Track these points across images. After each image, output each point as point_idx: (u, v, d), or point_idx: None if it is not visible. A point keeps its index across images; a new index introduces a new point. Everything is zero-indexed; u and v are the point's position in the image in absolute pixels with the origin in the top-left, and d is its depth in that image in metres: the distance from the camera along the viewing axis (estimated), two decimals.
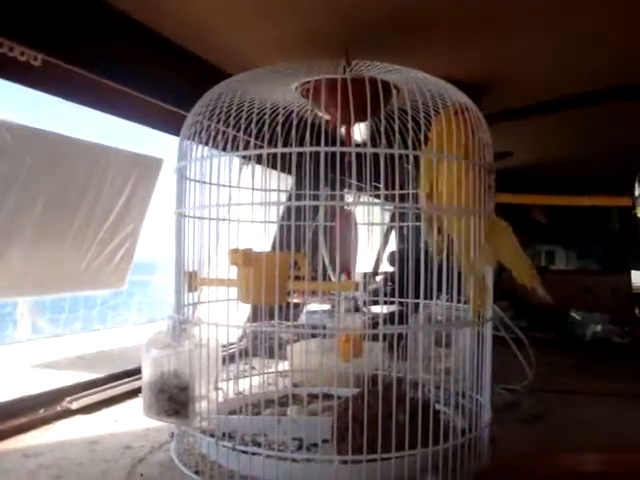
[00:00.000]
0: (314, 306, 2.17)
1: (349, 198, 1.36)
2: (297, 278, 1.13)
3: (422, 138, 1.08)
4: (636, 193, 4.55)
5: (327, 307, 2.18)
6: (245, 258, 1.08)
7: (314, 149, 1.04)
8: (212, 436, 1.13)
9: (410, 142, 1.06)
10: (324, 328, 1.71)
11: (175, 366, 1.13)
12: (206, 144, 1.18)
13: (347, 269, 1.24)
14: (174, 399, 1.13)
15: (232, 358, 1.32)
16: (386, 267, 3.14)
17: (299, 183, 1.25)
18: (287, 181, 1.48)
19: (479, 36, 1.57)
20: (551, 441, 1.39)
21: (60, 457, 1.24)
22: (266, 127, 1.09)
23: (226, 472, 1.11)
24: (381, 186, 1.26)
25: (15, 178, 1.60)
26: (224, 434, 1.13)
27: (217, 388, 1.15)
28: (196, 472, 1.13)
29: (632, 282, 4.11)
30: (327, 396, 1.46)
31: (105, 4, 1.36)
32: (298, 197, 1.31)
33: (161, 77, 1.55)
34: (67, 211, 1.81)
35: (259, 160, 1.12)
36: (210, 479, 1.09)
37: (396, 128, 1.05)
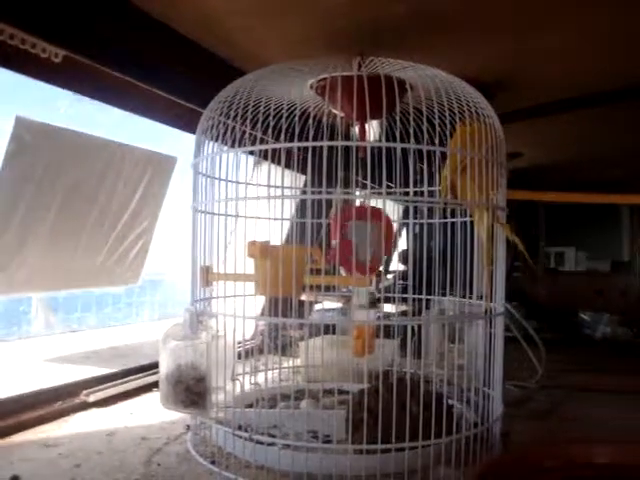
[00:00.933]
0: (327, 304, 2.19)
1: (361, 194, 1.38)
2: (313, 272, 1.15)
3: (436, 134, 1.09)
4: None
5: (339, 305, 2.20)
6: (262, 250, 1.10)
7: (330, 143, 1.05)
8: (228, 427, 1.15)
9: (425, 138, 1.07)
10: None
11: (192, 358, 1.15)
12: (223, 141, 1.19)
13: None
14: (191, 390, 1.14)
15: (248, 353, 1.34)
16: (397, 265, 3.17)
17: (314, 180, 1.27)
18: (301, 180, 1.49)
19: (494, 35, 1.58)
20: (560, 435, 1.40)
21: (79, 447, 1.26)
22: (283, 123, 1.11)
23: (242, 462, 1.13)
24: (393, 185, 1.27)
25: (32, 175, 1.63)
26: (240, 426, 1.15)
27: (234, 379, 1.16)
28: (212, 462, 1.14)
29: None
30: (341, 391, 1.48)
31: (127, 2, 1.38)
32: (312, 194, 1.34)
33: (178, 74, 1.57)
34: (83, 207, 1.84)
35: (273, 159, 1.13)
36: (226, 469, 1.11)
37: (411, 124, 1.07)
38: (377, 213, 1.21)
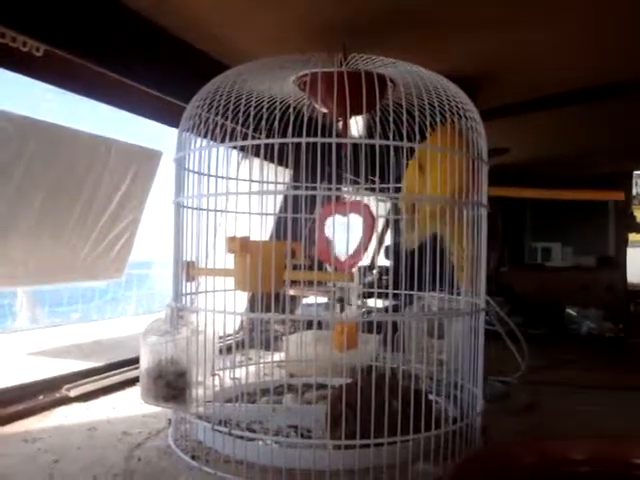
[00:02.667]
0: (310, 299, 2.19)
1: (345, 190, 1.38)
2: (294, 267, 1.16)
3: (417, 131, 1.10)
4: (634, 192, 4.58)
5: (323, 300, 2.20)
6: (242, 246, 1.10)
7: (311, 140, 1.05)
8: (208, 422, 1.16)
9: (405, 134, 1.07)
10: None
11: (172, 353, 1.15)
12: (204, 136, 1.19)
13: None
14: (171, 385, 1.15)
15: (229, 348, 1.34)
16: (381, 261, 3.17)
17: (296, 175, 1.27)
18: (285, 174, 1.49)
19: (477, 32, 1.58)
20: (541, 431, 1.41)
21: (59, 442, 1.26)
22: (264, 119, 1.11)
23: (222, 457, 1.13)
24: (377, 179, 1.27)
25: (15, 168, 1.62)
26: (220, 421, 1.16)
27: (214, 374, 1.17)
28: (192, 457, 1.15)
29: (627, 279, 4.15)
30: (322, 386, 1.48)
31: None
32: (295, 189, 1.34)
33: (160, 69, 1.56)
34: (67, 201, 1.83)
35: (257, 153, 1.13)
36: (206, 464, 1.11)
37: (391, 120, 1.07)
38: (356, 207, 1.22)
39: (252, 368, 1.56)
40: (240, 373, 1.43)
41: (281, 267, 1.10)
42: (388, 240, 3.18)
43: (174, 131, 1.48)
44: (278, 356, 1.81)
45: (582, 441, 1.07)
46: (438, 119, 1.15)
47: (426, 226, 1.15)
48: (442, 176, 1.15)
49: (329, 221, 1.18)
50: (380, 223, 1.82)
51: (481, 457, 1.07)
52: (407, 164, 1.18)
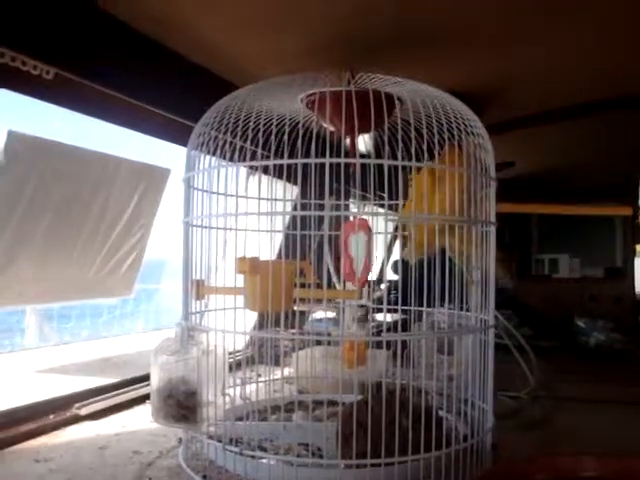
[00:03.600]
0: (320, 314, 2.19)
1: (353, 208, 1.39)
2: (303, 286, 1.16)
3: (425, 149, 1.10)
4: None
5: (332, 315, 2.20)
6: (252, 266, 1.10)
7: (319, 161, 1.06)
8: (219, 441, 1.16)
9: (413, 153, 1.08)
10: (329, 335, 1.73)
11: (183, 372, 1.15)
12: (213, 154, 1.20)
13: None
14: (182, 405, 1.15)
15: (239, 365, 1.34)
16: (390, 275, 3.16)
17: (304, 193, 1.27)
18: (293, 191, 1.50)
19: (481, 50, 1.60)
20: (552, 447, 1.41)
21: (70, 462, 1.26)
22: (272, 138, 1.12)
23: (233, 477, 1.13)
24: (385, 195, 1.28)
25: (25, 187, 1.63)
26: (231, 440, 1.16)
27: (224, 394, 1.17)
28: (204, 477, 1.15)
29: (636, 290, 4.13)
30: (332, 403, 1.48)
31: (115, 19, 1.39)
32: (303, 207, 1.34)
33: (170, 90, 1.58)
34: (76, 219, 1.84)
35: (265, 170, 1.14)
36: None
37: (399, 139, 1.08)
38: (364, 224, 1.22)
39: (262, 384, 1.56)
40: (250, 390, 1.43)
41: (290, 287, 1.11)
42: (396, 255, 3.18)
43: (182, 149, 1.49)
44: (287, 371, 1.80)
45: (594, 457, 1.06)
46: (446, 137, 1.15)
47: (424, 240, 1.16)
48: (450, 194, 1.15)
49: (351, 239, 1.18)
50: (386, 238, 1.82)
51: (492, 475, 1.07)
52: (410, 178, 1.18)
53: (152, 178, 2.00)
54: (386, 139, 1.11)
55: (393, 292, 1.71)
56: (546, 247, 4.60)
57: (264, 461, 1.14)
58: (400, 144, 1.09)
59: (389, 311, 1.55)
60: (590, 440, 1.44)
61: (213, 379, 1.15)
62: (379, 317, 1.63)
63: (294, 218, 1.33)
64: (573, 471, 1.03)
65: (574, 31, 1.48)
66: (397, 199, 1.29)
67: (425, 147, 1.10)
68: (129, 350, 2.72)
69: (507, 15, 1.40)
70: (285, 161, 1.08)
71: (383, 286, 2.85)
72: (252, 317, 1.52)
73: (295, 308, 1.28)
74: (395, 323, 1.33)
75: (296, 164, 1.08)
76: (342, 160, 1.06)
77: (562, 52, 1.63)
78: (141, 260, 2.15)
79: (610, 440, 1.44)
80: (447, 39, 1.52)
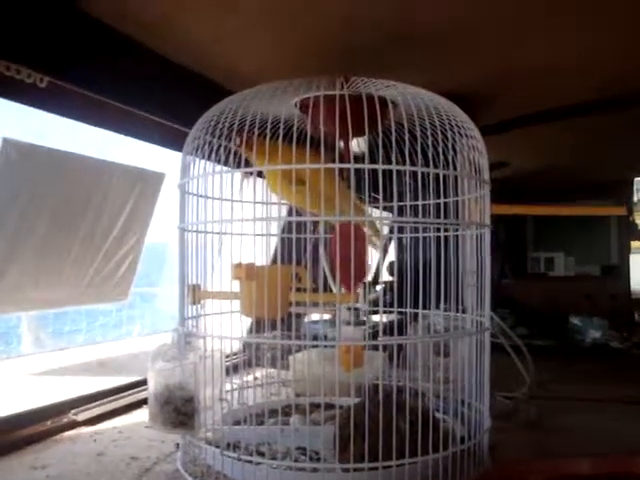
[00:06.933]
0: (315, 316, 2.19)
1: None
2: (298, 290, 1.16)
3: (419, 151, 1.10)
4: (635, 199, 4.58)
5: (328, 317, 2.20)
6: (248, 272, 1.11)
7: (314, 166, 1.06)
8: (217, 447, 1.16)
9: (407, 156, 1.08)
10: (325, 338, 1.73)
11: (180, 378, 1.15)
12: (208, 159, 1.20)
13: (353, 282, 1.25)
14: (179, 410, 1.15)
15: (235, 369, 1.34)
16: (385, 277, 3.16)
17: None
18: None
19: (476, 52, 1.59)
20: (549, 448, 1.41)
21: (67, 468, 1.26)
22: (267, 142, 1.12)
23: None
24: (380, 197, 1.28)
25: (20, 193, 1.63)
26: (229, 444, 1.16)
27: (222, 399, 1.17)
28: None
29: (631, 287, 4.14)
30: (329, 406, 1.48)
31: (107, 26, 1.39)
32: (298, 211, 1.34)
33: (164, 96, 1.58)
34: (71, 225, 1.84)
35: (260, 175, 1.14)
36: None
37: (393, 142, 1.08)
38: (358, 229, 1.23)
39: (258, 388, 1.56)
40: (247, 394, 1.43)
41: (286, 292, 1.11)
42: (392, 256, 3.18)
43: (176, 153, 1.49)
44: (284, 374, 1.80)
45: (591, 458, 1.07)
46: (440, 139, 1.16)
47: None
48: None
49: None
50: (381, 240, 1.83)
51: (490, 478, 1.07)
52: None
53: (147, 182, 2.00)
54: (380, 142, 1.11)
55: (389, 293, 1.71)
56: (541, 245, 4.61)
57: (262, 466, 1.14)
58: (393, 150, 1.09)
59: (385, 312, 1.55)
60: (587, 440, 1.44)
61: (210, 384, 1.16)
62: (375, 318, 1.63)
63: (289, 222, 1.33)
64: (571, 472, 1.03)
65: (576, 32, 1.48)
66: (392, 201, 1.30)
67: (419, 149, 1.10)
68: (125, 355, 2.71)
69: (505, 17, 1.40)
70: (280, 167, 1.08)
71: (379, 287, 2.85)
72: (248, 319, 1.52)
73: (292, 310, 1.28)
74: (391, 324, 1.33)
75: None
76: (336, 165, 1.07)
77: (560, 52, 1.63)
78: (137, 264, 2.15)
79: (607, 439, 1.44)
80: (442, 43, 1.52)
